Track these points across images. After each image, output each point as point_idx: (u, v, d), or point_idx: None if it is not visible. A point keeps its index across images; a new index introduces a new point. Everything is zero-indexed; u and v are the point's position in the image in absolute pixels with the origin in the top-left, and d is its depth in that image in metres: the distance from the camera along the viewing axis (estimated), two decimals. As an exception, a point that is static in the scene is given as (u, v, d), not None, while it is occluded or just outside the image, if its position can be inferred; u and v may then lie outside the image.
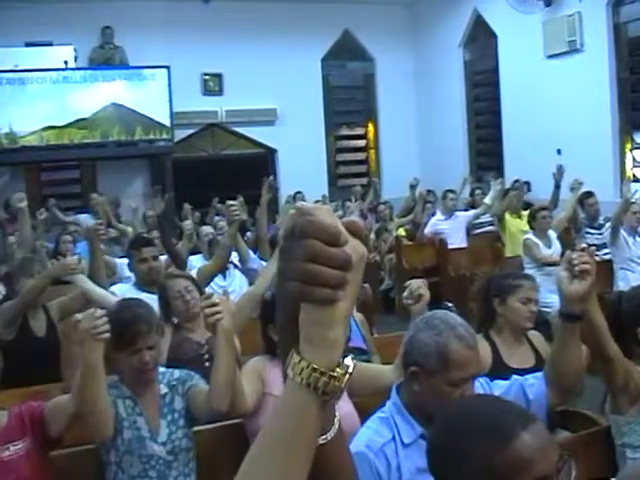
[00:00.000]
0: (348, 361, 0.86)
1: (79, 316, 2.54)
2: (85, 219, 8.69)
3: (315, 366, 0.83)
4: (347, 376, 0.85)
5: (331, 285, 0.81)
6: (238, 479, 0.86)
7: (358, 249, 0.86)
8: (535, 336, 3.43)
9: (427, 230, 8.66)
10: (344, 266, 0.81)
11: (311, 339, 0.84)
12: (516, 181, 9.38)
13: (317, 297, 0.81)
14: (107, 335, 2.51)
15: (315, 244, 0.80)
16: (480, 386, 2.27)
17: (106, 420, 2.59)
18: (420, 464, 1.92)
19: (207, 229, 6.71)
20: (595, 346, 2.50)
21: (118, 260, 5.44)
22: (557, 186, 7.85)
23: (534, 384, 2.31)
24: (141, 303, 2.96)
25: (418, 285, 2.75)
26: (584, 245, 2.39)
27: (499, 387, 2.32)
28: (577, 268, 2.17)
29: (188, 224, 7.15)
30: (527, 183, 9.18)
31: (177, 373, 2.87)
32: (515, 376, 2.40)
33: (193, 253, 6.27)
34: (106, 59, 11.33)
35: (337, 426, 0.94)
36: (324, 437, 0.91)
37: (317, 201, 11.38)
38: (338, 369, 0.84)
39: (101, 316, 2.49)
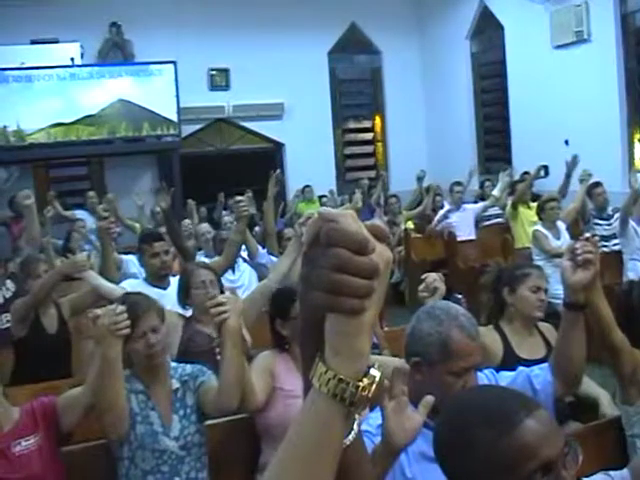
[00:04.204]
0: (374, 371, 0.84)
1: (99, 312, 2.54)
2: (82, 215, 8.71)
3: (342, 377, 0.81)
4: (374, 386, 0.83)
5: (359, 295, 0.78)
6: None
7: (384, 255, 0.82)
8: (546, 327, 3.43)
9: (436, 223, 8.66)
10: (372, 275, 0.78)
11: (337, 349, 0.81)
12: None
13: (345, 308, 0.78)
14: (127, 331, 2.52)
15: (343, 253, 0.77)
16: (486, 377, 2.27)
17: (123, 417, 2.60)
18: (423, 449, 1.93)
19: (205, 228, 6.67)
20: (601, 336, 2.50)
21: (124, 257, 5.46)
22: (568, 176, 7.81)
23: (539, 374, 2.31)
24: (137, 293, 3.00)
25: (434, 278, 2.80)
26: (587, 235, 2.38)
27: (505, 378, 2.32)
28: (580, 258, 2.17)
29: (187, 223, 7.15)
30: (545, 167, 8.93)
31: (189, 368, 2.87)
32: (521, 367, 2.40)
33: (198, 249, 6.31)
34: (113, 55, 11.33)
35: (357, 430, 0.93)
36: (344, 441, 0.89)
37: (323, 196, 11.41)
38: (365, 379, 0.82)
39: (121, 312, 2.50)
